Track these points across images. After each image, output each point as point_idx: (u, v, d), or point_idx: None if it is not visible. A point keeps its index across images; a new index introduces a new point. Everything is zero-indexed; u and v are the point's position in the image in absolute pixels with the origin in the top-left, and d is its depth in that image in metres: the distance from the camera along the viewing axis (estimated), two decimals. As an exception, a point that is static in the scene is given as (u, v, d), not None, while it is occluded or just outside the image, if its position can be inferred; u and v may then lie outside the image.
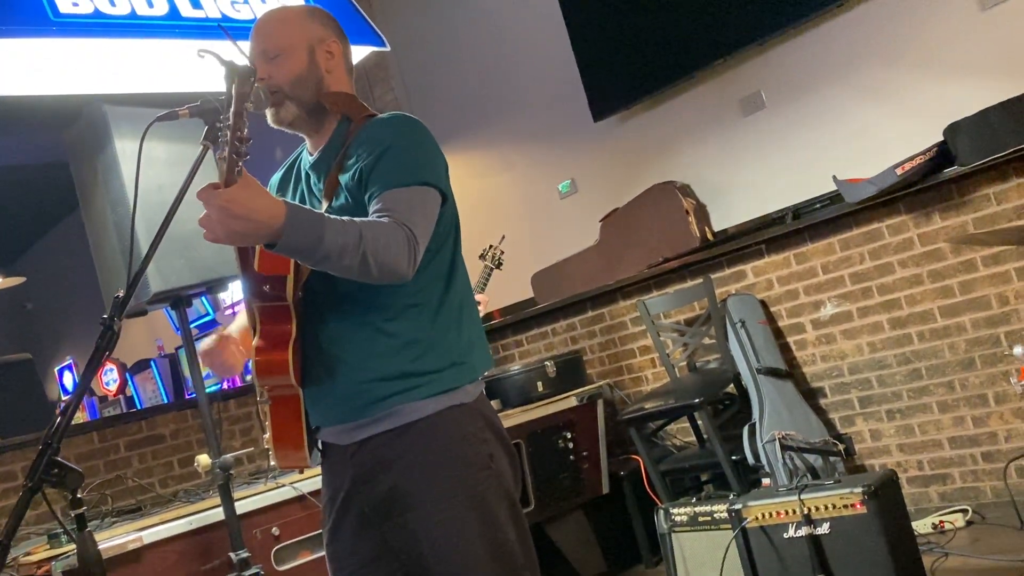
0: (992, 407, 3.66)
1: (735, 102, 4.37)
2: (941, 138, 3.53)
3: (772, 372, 4.08)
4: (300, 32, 1.89)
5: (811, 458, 3.87)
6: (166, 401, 5.91)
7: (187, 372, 6.49)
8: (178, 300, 3.06)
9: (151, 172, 2.94)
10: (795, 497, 2.96)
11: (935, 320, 3.77)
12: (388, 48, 4.04)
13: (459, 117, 5.55)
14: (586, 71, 4.77)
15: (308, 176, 1.95)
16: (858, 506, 2.84)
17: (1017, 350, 2.40)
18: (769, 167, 4.29)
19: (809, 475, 3.82)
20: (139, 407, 6.07)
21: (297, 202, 1.89)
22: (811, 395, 4.17)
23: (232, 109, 1.53)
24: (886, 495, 2.88)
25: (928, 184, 3.62)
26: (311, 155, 1.95)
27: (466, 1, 5.49)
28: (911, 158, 3.50)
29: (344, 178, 1.81)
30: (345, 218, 1.63)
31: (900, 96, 3.84)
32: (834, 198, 3.98)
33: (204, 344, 1.95)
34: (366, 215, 1.73)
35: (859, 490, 2.84)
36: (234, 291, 4.62)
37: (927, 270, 3.76)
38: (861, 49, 3.92)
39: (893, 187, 3.54)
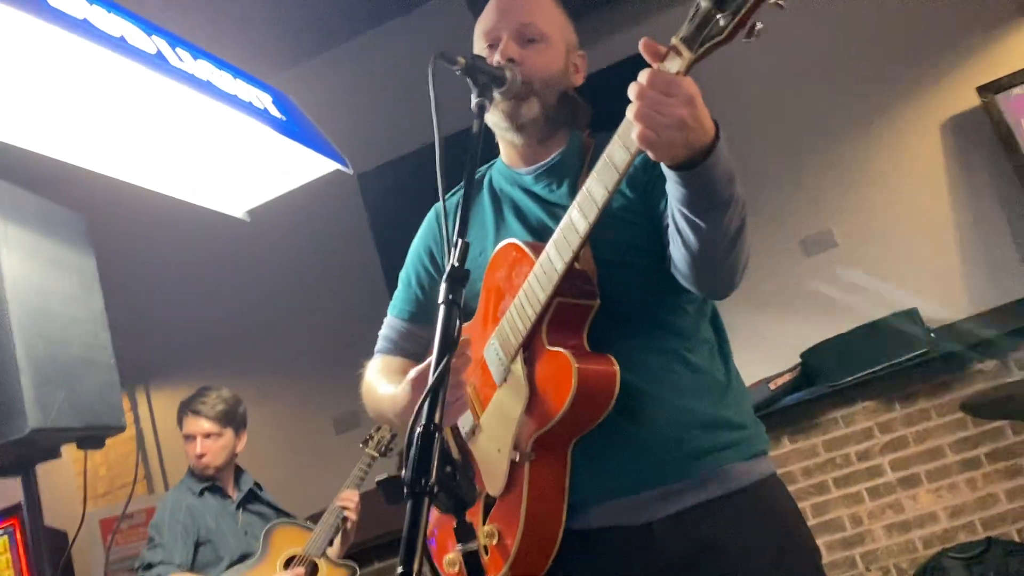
0: (854, 633, 3.64)
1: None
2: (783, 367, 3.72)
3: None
4: (562, 25, 1.52)
5: None
6: None
7: None
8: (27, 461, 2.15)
9: (31, 269, 2.16)
10: None
11: (786, 545, 3.75)
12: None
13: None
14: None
15: (526, 188, 1.49)
16: None
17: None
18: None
19: None
20: None
21: (515, 219, 1.45)
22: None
23: None
24: None
25: (776, 408, 3.74)
26: (524, 168, 1.51)
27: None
28: (780, 374, 3.63)
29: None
30: None
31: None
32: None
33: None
34: (650, 232, 1.35)
35: None
36: None
37: (777, 494, 3.78)
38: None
39: (766, 401, 3.61)
